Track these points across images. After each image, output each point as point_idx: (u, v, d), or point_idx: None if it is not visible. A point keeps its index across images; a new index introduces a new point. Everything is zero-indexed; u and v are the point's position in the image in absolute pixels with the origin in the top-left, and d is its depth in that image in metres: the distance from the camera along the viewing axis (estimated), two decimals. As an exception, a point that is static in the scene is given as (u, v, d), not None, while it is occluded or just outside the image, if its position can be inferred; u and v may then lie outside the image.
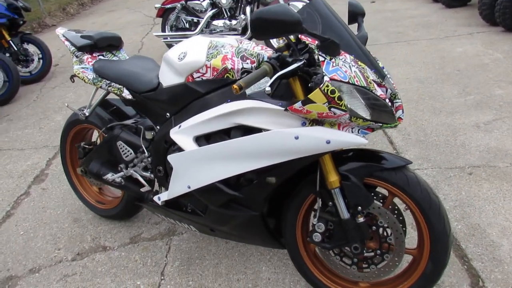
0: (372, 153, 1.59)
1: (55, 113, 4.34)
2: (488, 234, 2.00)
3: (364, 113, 1.34)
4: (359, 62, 1.40)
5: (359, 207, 1.52)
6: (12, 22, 4.99)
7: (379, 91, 1.38)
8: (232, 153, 1.52)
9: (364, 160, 1.55)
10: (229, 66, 1.57)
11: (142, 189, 2.02)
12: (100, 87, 2.01)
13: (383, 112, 1.38)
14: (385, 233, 1.59)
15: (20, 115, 4.39)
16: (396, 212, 1.64)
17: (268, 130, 1.45)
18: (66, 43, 2.13)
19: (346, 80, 1.31)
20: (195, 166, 1.64)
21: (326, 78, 1.29)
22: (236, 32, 4.90)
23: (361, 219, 1.52)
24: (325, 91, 1.28)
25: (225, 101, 1.57)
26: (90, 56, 2.11)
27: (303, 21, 1.44)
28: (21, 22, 5.13)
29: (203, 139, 1.65)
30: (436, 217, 1.49)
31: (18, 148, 3.64)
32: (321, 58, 1.36)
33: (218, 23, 4.98)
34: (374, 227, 1.59)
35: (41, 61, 5.28)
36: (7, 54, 5.05)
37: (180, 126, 1.69)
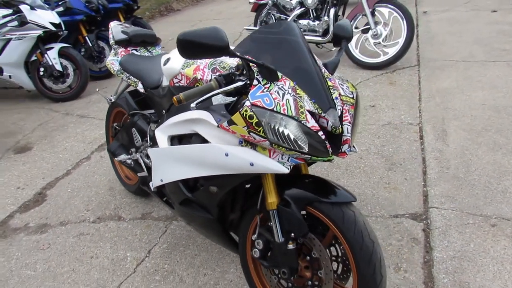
0: (322, 183, 1.55)
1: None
2: (473, 296, 1.78)
3: (287, 142, 1.33)
4: (298, 91, 1.38)
5: (292, 234, 1.51)
6: (128, 6, 5.70)
7: (310, 123, 1.35)
8: (184, 158, 1.64)
9: (309, 189, 1.52)
10: (199, 77, 1.67)
11: (139, 174, 2.25)
12: (122, 78, 2.28)
13: (312, 144, 1.35)
14: (317, 265, 1.55)
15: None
16: (336, 246, 1.58)
17: (209, 142, 1.53)
18: (110, 36, 2.44)
19: (271, 108, 1.32)
20: (165, 162, 1.79)
21: (247, 103, 1.32)
22: (316, 34, 4.86)
23: (291, 246, 1.52)
24: (244, 115, 1.31)
25: (190, 108, 1.68)
26: (124, 49, 2.39)
27: (259, 43, 1.47)
28: (135, 7, 5.83)
29: (176, 140, 1.79)
30: (366, 262, 1.41)
31: (100, 118, 4.24)
32: (254, 82, 1.38)
33: (303, 22, 4.99)
34: (308, 257, 1.56)
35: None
36: (82, 50, 5.32)
37: (163, 124, 1.86)
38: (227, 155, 1.45)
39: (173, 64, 1.76)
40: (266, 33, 1.54)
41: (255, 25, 5.70)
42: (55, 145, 3.74)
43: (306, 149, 1.35)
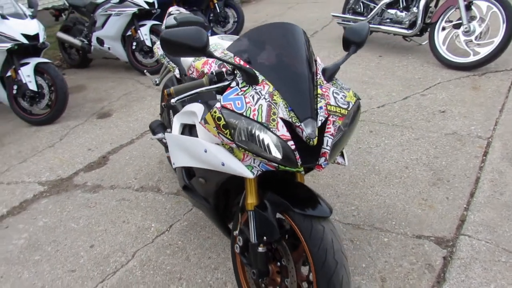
0: (306, 193, 1.51)
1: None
2: None
3: (255, 148, 1.32)
4: (275, 97, 1.36)
5: (265, 237, 1.52)
6: None
7: (281, 131, 1.31)
8: (182, 147, 1.73)
9: (288, 196, 1.50)
10: (206, 70, 1.72)
11: (167, 154, 2.40)
12: (163, 63, 2.43)
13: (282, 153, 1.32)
14: (285, 273, 1.53)
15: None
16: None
17: (198, 135, 1.58)
18: (164, 21, 2.60)
19: (241, 111, 1.32)
20: (172, 148, 1.90)
21: (217, 105, 1.34)
22: (402, 26, 4.50)
23: (260, 249, 1.52)
24: (213, 116, 1.34)
25: (196, 100, 1.75)
26: (172, 35, 2.53)
27: (258, 41, 1.47)
28: None
29: (187, 128, 1.89)
30: (325, 281, 1.37)
31: (174, 93, 4.54)
32: (232, 84, 1.38)
33: (390, 12, 4.66)
34: (279, 263, 1.55)
35: (235, 24, 6.14)
36: (211, 14, 6.06)
37: (180, 112, 1.97)
38: (205, 151, 1.49)
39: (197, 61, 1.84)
40: (267, 32, 1.52)
41: (343, 12, 5.48)
42: (130, 114, 4.14)
43: (279, 156, 1.33)
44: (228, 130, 1.33)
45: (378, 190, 2.53)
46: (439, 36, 4.19)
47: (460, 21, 4.00)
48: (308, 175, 2.76)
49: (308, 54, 1.48)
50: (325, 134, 1.38)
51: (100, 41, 5.18)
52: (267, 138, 1.31)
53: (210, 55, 1.34)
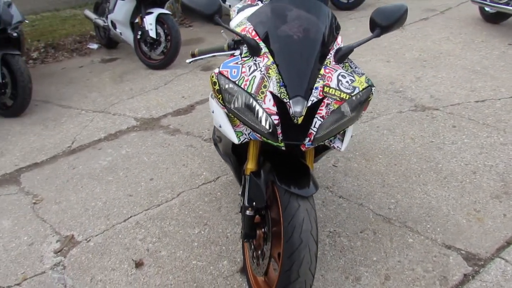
0: (302, 171, 1.53)
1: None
2: None
3: (242, 116, 1.39)
4: (270, 70, 1.39)
5: (254, 202, 1.60)
6: None
7: (267, 104, 1.36)
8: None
9: (281, 169, 1.54)
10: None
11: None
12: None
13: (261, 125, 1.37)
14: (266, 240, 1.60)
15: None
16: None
17: None
18: None
19: (234, 80, 1.40)
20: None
21: (216, 70, 1.43)
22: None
23: (248, 212, 1.61)
24: (211, 80, 1.44)
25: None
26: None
27: (279, 12, 1.50)
28: None
29: None
30: (287, 256, 1.42)
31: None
32: (236, 53, 1.45)
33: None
34: (263, 230, 1.63)
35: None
36: None
37: None
38: (213, 112, 1.62)
39: (232, 22, 1.93)
40: (290, 5, 1.52)
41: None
42: (228, 71, 4.41)
43: (267, 128, 1.38)
44: (221, 95, 1.43)
45: (429, 189, 2.34)
46: None
47: None
48: (361, 158, 2.68)
49: (325, 33, 1.45)
50: (316, 115, 1.38)
51: (114, 25, 4.83)
52: (255, 109, 1.37)
53: (218, 23, 1.42)
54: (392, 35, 4.81)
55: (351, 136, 1.61)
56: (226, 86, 1.42)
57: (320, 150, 1.74)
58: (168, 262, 2.04)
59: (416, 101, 3.33)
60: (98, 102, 3.94)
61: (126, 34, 4.76)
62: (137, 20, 4.59)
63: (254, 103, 1.37)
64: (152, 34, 4.44)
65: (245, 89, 1.38)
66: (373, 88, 1.46)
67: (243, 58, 1.45)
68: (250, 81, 1.39)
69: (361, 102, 1.44)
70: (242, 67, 1.42)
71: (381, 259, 1.95)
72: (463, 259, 1.90)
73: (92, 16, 5.29)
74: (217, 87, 1.44)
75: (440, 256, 1.93)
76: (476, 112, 3.06)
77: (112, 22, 4.87)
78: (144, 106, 3.79)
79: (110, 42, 5.33)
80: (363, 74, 1.47)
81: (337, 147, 1.56)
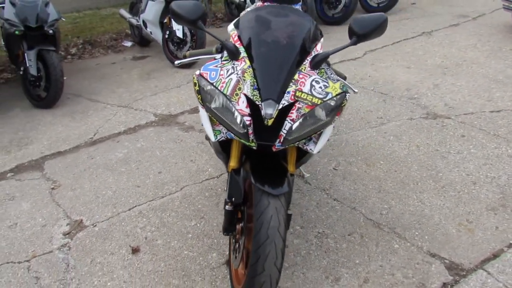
0: (277, 171, 1.60)
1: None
2: None
3: (217, 115, 1.49)
4: (246, 74, 1.47)
5: (233, 198, 1.70)
6: None
7: (240, 105, 1.45)
8: None
9: (258, 169, 1.62)
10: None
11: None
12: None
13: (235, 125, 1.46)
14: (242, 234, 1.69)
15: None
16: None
17: None
18: None
19: (212, 82, 1.49)
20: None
21: (197, 72, 1.53)
22: None
23: (227, 207, 1.71)
24: (193, 81, 1.55)
25: None
26: (261, 2, 2.70)
27: (260, 18, 1.60)
28: None
29: None
30: (254, 250, 1.49)
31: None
32: (216, 56, 1.55)
33: None
34: (241, 224, 1.72)
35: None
36: None
37: None
38: (199, 110, 1.72)
39: (229, 26, 2.03)
40: (272, 12, 1.61)
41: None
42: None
43: (239, 128, 1.47)
44: (200, 96, 1.53)
45: (424, 197, 2.34)
46: None
47: None
48: (363, 163, 2.70)
49: (305, 40, 1.52)
50: (287, 118, 1.45)
51: (145, 24, 5.12)
52: (230, 110, 1.47)
53: (200, 28, 1.53)
54: (417, 41, 4.74)
55: (327, 140, 1.66)
56: (205, 88, 1.52)
57: (303, 154, 1.80)
58: (162, 251, 2.17)
59: (429, 108, 3.29)
60: (123, 98, 4.16)
61: (156, 33, 4.99)
62: (165, 20, 4.80)
63: (229, 104, 1.46)
64: (179, 34, 4.64)
65: (221, 91, 1.48)
66: (347, 95, 1.52)
67: (222, 62, 1.55)
68: (226, 83, 1.48)
69: (334, 108, 1.49)
70: (220, 70, 1.52)
71: (364, 262, 1.98)
72: (445, 268, 1.90)
73: (126, 15, 5.59)
74: (197, 87, 1.54)
75: (422, 263, 1.94)
76: (489, 123, 2.98)
77: (143, 21, 5.13)
78: (165, 103, 3.97)
79: (142, 40, 5.62)
80: (338, 80, 1.53)
81: (310, 149, 1.62)
